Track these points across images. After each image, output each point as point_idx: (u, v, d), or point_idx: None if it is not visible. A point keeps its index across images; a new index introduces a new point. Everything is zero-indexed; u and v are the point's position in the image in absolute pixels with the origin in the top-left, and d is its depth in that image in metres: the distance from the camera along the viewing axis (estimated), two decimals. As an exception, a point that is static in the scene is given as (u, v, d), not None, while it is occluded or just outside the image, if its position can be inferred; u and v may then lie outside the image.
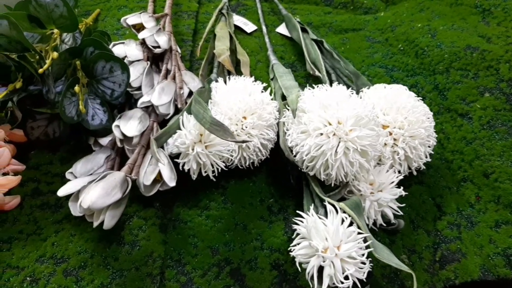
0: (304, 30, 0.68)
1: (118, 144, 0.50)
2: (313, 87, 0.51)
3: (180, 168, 0.47)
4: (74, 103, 0.49)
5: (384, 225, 0.50)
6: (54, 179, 0.54)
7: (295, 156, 0.48)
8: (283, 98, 0.56)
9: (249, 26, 0.78)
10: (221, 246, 0.49)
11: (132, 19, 0.63)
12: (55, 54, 0.46)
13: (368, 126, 0.45)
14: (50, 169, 0.55)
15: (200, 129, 0.45)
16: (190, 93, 0.58)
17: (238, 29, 0.77)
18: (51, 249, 0.48)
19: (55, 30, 0.52)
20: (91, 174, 0.49)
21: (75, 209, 0.46)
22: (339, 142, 0.44)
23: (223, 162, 0.49)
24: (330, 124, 0.45)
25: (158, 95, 0.53)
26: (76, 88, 0.47)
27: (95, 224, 0.43)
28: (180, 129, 0.47)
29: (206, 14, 0.80)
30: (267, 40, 0.73)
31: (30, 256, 0.47)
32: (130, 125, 0.49)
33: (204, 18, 0.79)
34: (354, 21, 0.81)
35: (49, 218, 0.51)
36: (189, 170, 0.47)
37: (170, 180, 0.47)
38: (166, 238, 0.49)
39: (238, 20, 0.78)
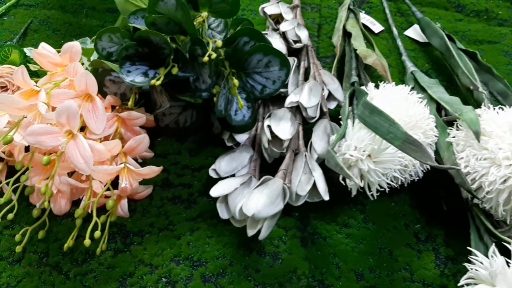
0: (450, 38, 0.61)
1: (265, 145, 0.46)
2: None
3: (343, 182, 0.43)
4: (224, 96, 0.46)
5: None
6: (184, 172, 0.51)
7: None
8: (438, 112, 0.51)
9: (376, 26, 0.72)
10: (366, 271, 0.44)
11: (270, 8, 0.58)
12: (220, 42, 0.42)
13: None
14: (179, 159, 0.52)
15: (374, 142, 0.40)
16: (329, 95, 0.54)
17: (364, 28, 0.72)
18: (187, 250, 0.44)
19: (204, 14, 0.48)
20: (234, 173, 0.46)
21: (223, 211, 0.42)
22: (533, 177, 0.39)
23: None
24: (522, 154, 0.39)
25: (308, 95, 0.48)
26: (236, 81, 0.44)
27: (251, 233, 0.39)
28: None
29: (328, 8, 0.74)
30: (399, 43, 0.67)
31: (165, 254, 0.44)
32: (282, 126, 0.45)
33: (327, 12, 0.73)
34: (490, 33, 0.73)
35: (182, 213, 0.47)
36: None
37: (325, 193, 0.42)
38: (307, 253, 0.45)
39: (364, 18, 0.72)
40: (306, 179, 0.42)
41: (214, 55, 0.41)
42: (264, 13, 0.58)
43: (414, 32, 0.72)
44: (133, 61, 0.46)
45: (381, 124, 0.39)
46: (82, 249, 0.45)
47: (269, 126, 0.45)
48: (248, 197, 0.39)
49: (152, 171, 0.45)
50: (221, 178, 0.45)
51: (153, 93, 0.49)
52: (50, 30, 0.67)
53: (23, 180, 0.41)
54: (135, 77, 0.44)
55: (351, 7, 0.69)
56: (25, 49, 0.55)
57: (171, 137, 0.54)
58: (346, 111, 0.45)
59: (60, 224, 0.47)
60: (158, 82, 0.41)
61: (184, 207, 0.48)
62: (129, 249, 0.45)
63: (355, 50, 0.61)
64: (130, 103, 0.45)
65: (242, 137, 0.50)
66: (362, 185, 0.42)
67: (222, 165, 0.45)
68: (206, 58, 0.41)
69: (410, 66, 0.61)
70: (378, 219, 0.48)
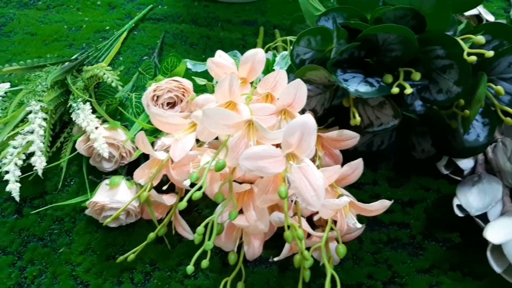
0: None
1: (527, 173, 0.35)
2: None
3: None
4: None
5: None
6: (392, 207, 0.40)
7: None
8: None
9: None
10: None
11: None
12: (482, 39, 0.32)
13: None
14: (378, 191, 0.42)
15: None
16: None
17: None
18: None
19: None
20: (485, 211, 0.35)
21: (494, 263, 0.31)
22: None
23: None
24: None
25: None
26: (500, 89, 0.33)
27: None
28: None
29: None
30: None
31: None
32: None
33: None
34: None
35: (407, 262, 0.37)
36: None
37: None
38: None
39: None
40: None
41: (491, 54, 0.30)
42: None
43: None
44: (344, 68, 0.37)
45: None
46: (289, 307, 0.34)
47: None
48: None
49: (383, 206, 0.34)
50: (468, 217, 0.34)
51: (357, 108, 0.40)
52: (187, 45, 0.60)
53: (233, 218, 0.32)
54: (357, 86, 0.35)
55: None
56: (186, 61, 0.48)
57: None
58: None
59: (253, 273, 0.37)
60: (410, 90, 0.32)
61: (408, 254, 0.37)
62: (352, 310, 0.34)
63: None
64: (356, 119, 0.35)
65: (467, 164, 0.39)
66: None
67: (470, 200, 0.35)
68: (473, 58, 0.31)
69: None
70: None
